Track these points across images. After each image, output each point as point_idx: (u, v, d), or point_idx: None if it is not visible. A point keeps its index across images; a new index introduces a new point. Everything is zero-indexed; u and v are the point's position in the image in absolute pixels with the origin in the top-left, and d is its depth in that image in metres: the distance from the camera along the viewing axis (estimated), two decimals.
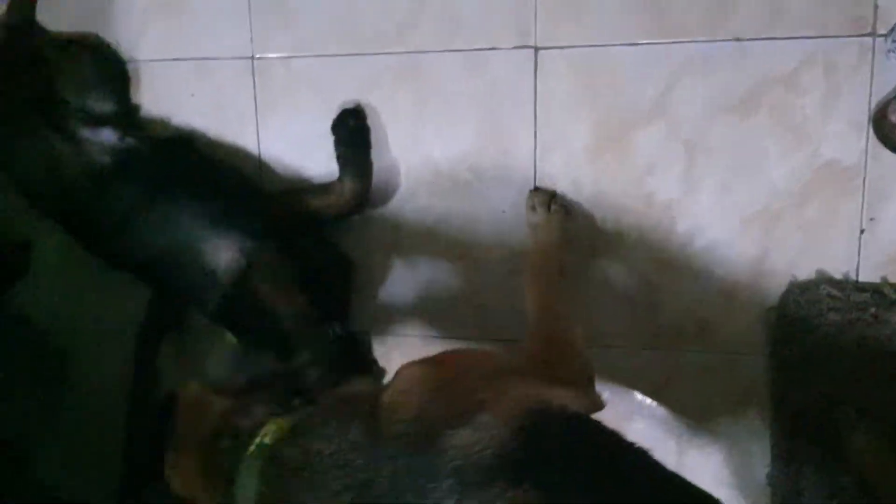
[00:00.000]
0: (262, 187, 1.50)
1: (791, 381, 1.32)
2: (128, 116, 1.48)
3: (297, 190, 1.48)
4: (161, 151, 1.44)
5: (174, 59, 1.51)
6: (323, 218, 1.43)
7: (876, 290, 1.28)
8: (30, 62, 1.41)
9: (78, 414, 1.62)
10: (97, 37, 1.51)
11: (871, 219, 1.27)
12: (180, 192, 1.37)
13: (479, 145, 1.39)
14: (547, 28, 1.32)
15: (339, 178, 1.42)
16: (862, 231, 1.27)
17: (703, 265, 1.34)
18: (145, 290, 1.54)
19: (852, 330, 1.28)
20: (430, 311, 1.50)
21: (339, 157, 1.42)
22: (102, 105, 1.43)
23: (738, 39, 1.25)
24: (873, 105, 1.22)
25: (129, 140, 1.41)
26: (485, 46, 1.35)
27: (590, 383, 1.06)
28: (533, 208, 1.35)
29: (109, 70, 1.49)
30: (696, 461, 1.41)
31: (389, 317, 1.52)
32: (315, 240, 1.44)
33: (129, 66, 1.51)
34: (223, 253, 1.32)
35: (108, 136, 1.40)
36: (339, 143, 1.42)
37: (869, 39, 1.20)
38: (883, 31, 1.19)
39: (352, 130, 1.41)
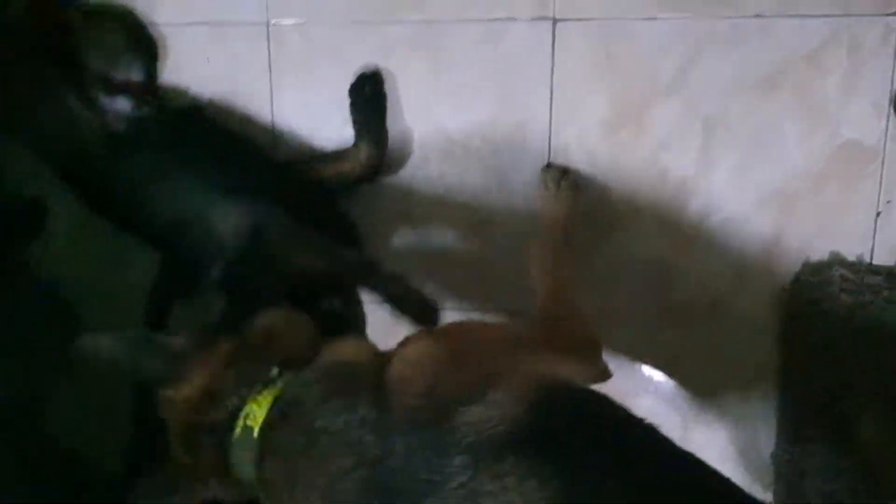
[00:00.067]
0: (274, 156, 1.50)
1: (800, 361, 1.32)
2: (150, 89, 1.47)
3: (311, 157, 1.48)
4: (174, 121, 1.44)
5: (188, 24, 1.50)
6: (338, 185, 1.43)
7: (890, 273, 1.27)
8: (56, 27, 1.41)
9: (89, 373, 1.64)
10: (128, 9, 1.50)
11: (888, 201, 1.25)
12: (192, 160, 1.37)
13: (493, 117, 1.38)
14: None
15: (355, 144, 1.41)
16: (878, 213, 1.26)
17: (716, 243, 1.33)
18: (157, 256, 1.54)
19: (864, 312, 1.27)
20: (439, 281, 1.49)
21: (354, 122, 1.42)
22: (127, 76, 1.42)
23: (760, 16, 1.23)
24: (895, 86, 1.20)
25: (145, 109, 1.41)
26: (502, 17, 1.33)
27: (596, 353, 1.06)
28: (545, 184, 1.34)
29: (137, 43, 1.48)
30: (702, 438, 1.42)
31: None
32: (324, 209, 1.44)
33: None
34: (232, 220, 1.32)
35: (123, 104, 1.40)
36: (355, 108, 1.42)
37: (895, 19, 1.18)
38: None
39: (369, 96, 1.40)
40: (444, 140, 1.42)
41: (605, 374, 1.04)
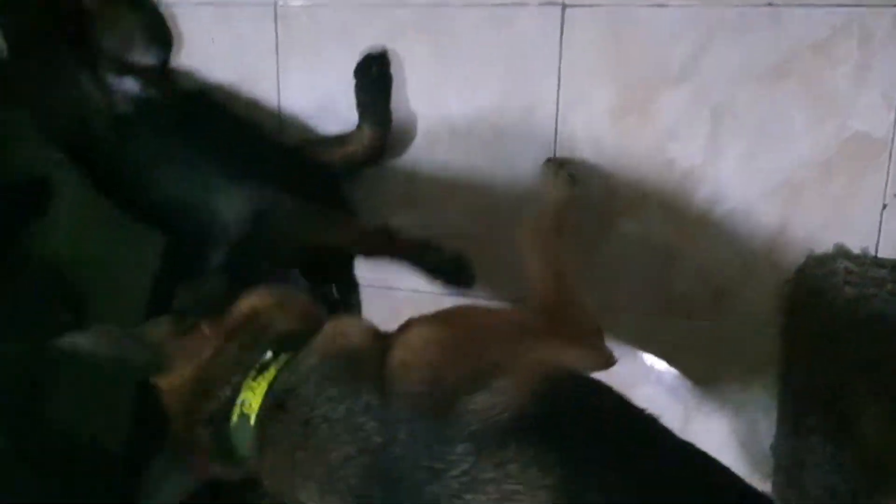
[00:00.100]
0: (279, 140, 1.49)
1: (802, 354, 1.32)
2: (163, 74, 1.47)
3: (315, 141, 1.47)
4: (180, 104, 1.44)
5: (195, 4, 1.49)
6: (342, 168, 1.43)
7: (894, 266, 1.26)
8: (73, 6, 1.41)
9: (91, 362, 1.64)
10: None
11: (895, 194, 1.25)
12: (197, 144, 1.37)
13: (500, 102, 1.37)
14: None
15: (359, 126, 1.41)
16: (885, 206, 1.25)
17: (721, 234, 1.33)
18: (161, 239, 1.54)
19: (868, 305, 1.27)
20: None
21: (359, 104, 1.41)
22: (141, 60, 1.42)
23: (771, 5, 1.21)
24: None
25: (151, 91, 1.41)
26: (511, 1, 1.32)
27: (599, 339, 1.05)
28: (543, 175, 1.33)
29: (154, 30, 1.48)
30: (702, 428, 1.42)
31: (400, 273, 1.51)
32: (328, 193, 1.43)
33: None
34: (236, 204, 1.32)
35: (131, 85, 1.40)
36: (359, 89, 1.41)
37: None
38: None
39: (374, 77, 1.40)
40: (450, 125, 1.41)
41: (610, 361, 1.04)
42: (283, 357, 0.92)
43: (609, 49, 1.30)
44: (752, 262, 1.33)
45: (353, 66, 1.41)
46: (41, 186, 1.60)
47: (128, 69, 1.40)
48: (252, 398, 0.90)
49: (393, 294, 1.52)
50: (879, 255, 1.27)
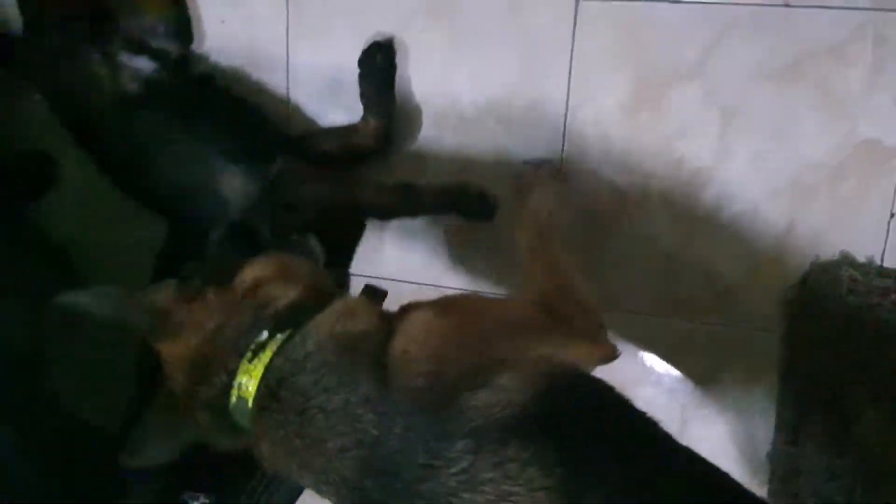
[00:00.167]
0: (283, 127, 1.49)
1: (803, 360, 1.31)
2: (176, 59, 1.47)
3: (319, 132, 1.46)
4: (186, 86, 1.44)
5: None
6: (347, 160, 1.42)
7: None
8: None
9: (92, 336, 1.64)
10: None
11: None
12: (200, 126, 1.37)
13: (509, 93, 1.36)
14: None
15: (363, 117, 1.40)
16: (892, 215, 1.24)
17: (726, 236, 1.32)
18: (164, 221, 1.54)
19: (871, 314, 1.26)
20: (448, 259, 1.49)
21: (362, 94, 1.40)
22: (160, 43, 1.42)
23: (787, 6, 1.20)
24: None
25: (163, 74, 1.41)
26: None
27: (601, 333, 1.04)
28: (522, 175, 1.31)
29: (176, 23, 1.48)
30: (699, 431, 1.41)
31: (404, 264, 1.51)
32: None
33: None
34: (238, 184, 1.32)
35: (143, 64, 1.39)
36: (364, 79, 1.40)
37: None
38: None
39: (380, 65, 1.38)
40: (459, 112, 1.40)
41: (613, 354, 1.02)
42: (279, 338, 0.90)
43: (622, 43, 1.29)
44: (757, 265, 1.32)
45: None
46: (47, 163, 1.60)
47: (143, 49, 1.40)
48: (249, 382, 0.89)
49: (398, 286, 1.51)
50: (885, 264, 1.26)
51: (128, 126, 1.39)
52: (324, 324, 0.91)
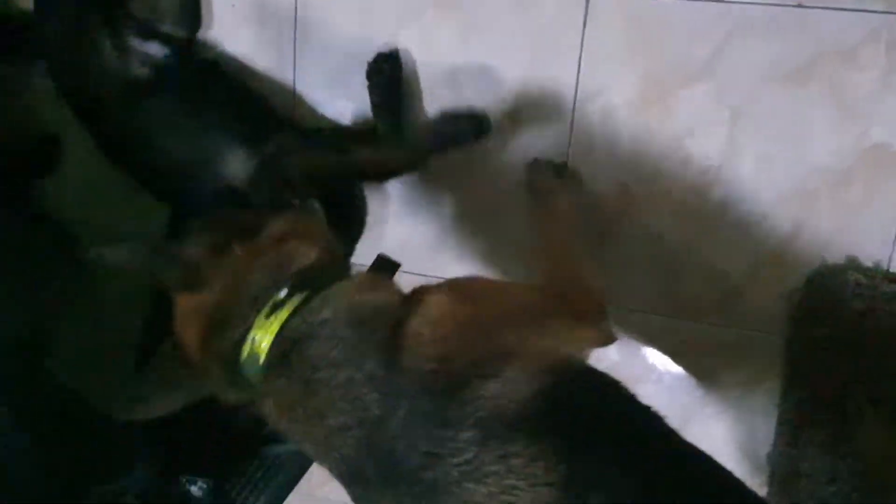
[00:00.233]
0: (287, 117, 1.48)
1: (806, 362, 1.31)
2: (185, 44, 1.46)
3: (345, 134, 1.46)
4: (195, 72, 1.44)
5: None
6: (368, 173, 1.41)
7: None
8: None
9: (93, 320, 1.64)
10: None
11: None
12: (204, 113, 1.37)
13: (517, 87, 1.36)
14: None
15: (379, 131, 1.39)
16: None
17: (732, 237, 1.31)
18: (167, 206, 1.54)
19: (875, 319, 1.25)
20: (456, 254, 1.49)
21: (373, 105, 1.39)
22: (170, 29, 1.42)
23: (801, 6, 1.19)
24: None
25: (172, 60, 1.40)
26: None
27: (603, 317, 1.03)
28: (534, 174, 1.31)
29: (184, 7, 1.47)
30: (700, 431, 1.38)
31: (410, 255, 1.50)
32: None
33: None
34: (240, 163, 1.32)
35: (154, 49, 1.39)
36: (372, 91, 1.39)
37: None
38: None
39: (386, 77, 1.37)
40: (467, 107, 1.39)
41: (609, 339, 1.02)
42: (297, 298, 0.90)
43: (632, 40, 1.28)
44: (762, 268, 1.32)
45: (370, 42, 1.39)
46: (52, 144, 1.60)
47: (154, 34, 1.40)
48: (263, 338, 0.88)
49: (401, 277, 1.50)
50: (892, 269, 1.26)
51: (132, 110, 1.39)
52: (345, 292, 0.91)
